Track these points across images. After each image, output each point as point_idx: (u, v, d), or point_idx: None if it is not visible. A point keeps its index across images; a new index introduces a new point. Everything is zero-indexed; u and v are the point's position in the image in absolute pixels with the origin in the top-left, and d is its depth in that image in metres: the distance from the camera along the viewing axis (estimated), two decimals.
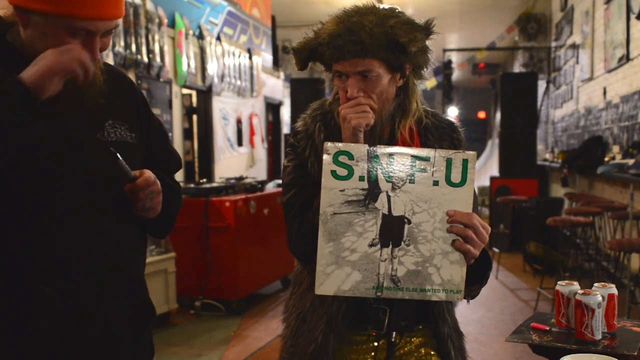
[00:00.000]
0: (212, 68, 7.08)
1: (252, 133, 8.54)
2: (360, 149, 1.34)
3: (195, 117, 7.55)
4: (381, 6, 1.49)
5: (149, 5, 5.69)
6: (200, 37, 6.92)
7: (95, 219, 1.35)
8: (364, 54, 1.44)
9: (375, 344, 1.53)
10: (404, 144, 1.53)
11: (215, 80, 7.20)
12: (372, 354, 1.53)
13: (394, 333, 1.52)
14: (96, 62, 1.34)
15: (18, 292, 1.27)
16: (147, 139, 1.53)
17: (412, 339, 1.55)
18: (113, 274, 1.39)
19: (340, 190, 1.34)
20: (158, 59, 5.77)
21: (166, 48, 5.95)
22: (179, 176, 6.26)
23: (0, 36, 1.33)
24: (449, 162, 1.35)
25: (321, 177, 1.35)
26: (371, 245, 1.34)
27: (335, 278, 1.34)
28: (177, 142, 6.50)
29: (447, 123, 1.65)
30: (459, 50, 12.67)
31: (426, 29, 1.49)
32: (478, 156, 19.44)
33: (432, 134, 1.60)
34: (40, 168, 1.28)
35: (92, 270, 1.34)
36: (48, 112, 1.30)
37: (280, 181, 5.69)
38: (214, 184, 5.56)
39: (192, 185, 5.40)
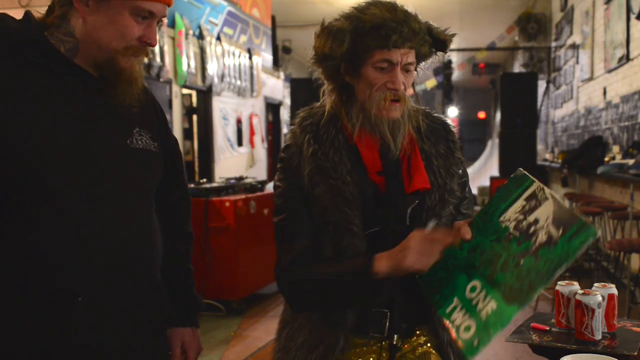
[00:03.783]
0: (212, 68, 7.08)
1: (252, 133, 8.54)
2: None
3: (195, 117, 7.55)
4: None
5: None
6: (200, 37, 6.92)
7: (125, 224, 1.36)
8: (416, 44, 1.43)
9: (377, 346, 1.52)
10: (409, 148, 1.51)
11: (215, 80, 7.20)
12: (374, 356, 1.52)
13: (396, 336, 1.51)
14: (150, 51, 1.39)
15: (49, 293, 1.28)
16: (165, 150, 1.55)
17: (413, 340, 1.55)
18: (141, 279, 1.41)
19: None
20: (158, 58, 5.77)
21: (166, 48, 5.95)
22: None
23: (40, 38, 1.31)
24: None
25: (313, 190, 1.37)
26: None
27: None
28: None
29: (440, 124, 1.61)
30: (459, 50, 12.66)
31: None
32: (478, 156, 19.44)
33: (428, 137, 1.57)
34: (74, 173, 1.30)
35: (120, 273, 1.35)
36: (83, 114, 1.33)
37: None
38: (214, 184, 5.56)
39: (192, 185, 5.39)
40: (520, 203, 1.38)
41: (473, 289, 1.31)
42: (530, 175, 1.36)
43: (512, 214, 1.38)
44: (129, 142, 1.40)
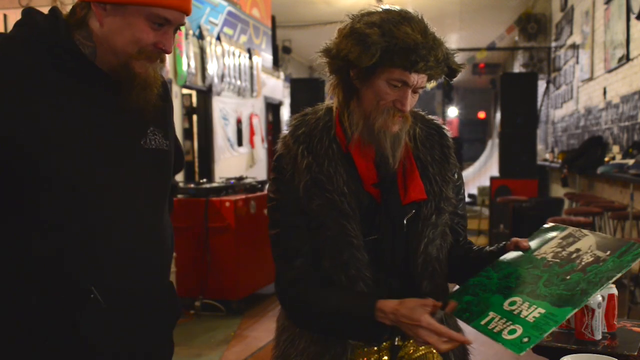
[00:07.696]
0: (212, 68, 7.08)
1: (252, 133, 8.54)
2: None
3: (195, 117, 7.55)
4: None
5: None
6: (200, 37, 6.92)
7: (139, 224, 1.37)
8: (434, 73, 1.42)
9: (379, 347, 1.52)
10: (404, 157, 1.50)
11: (215, 80, 7.20)
12: (376, 357, 1.52)
13: (397, 337, 1.51)
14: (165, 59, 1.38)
15: (64, 289, 1.29)
16: (174, 147, 1.56)
17: (414, 341, 1.55)
18: (153, 277, 1.42)
19: None
20: None
21: None
22: (179, 177, 6.26)
23: (68, 41, 1.32)
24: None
25: (309, 203, 1.39)
26: None
27: None
28: None
29: (435, 128, 1.60)
30: (459, 50, 12.62)
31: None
32: (478, 156, 19.44)
33: (423, 143, 1.55)
34: (88, 173, 1.30)
35: (134, 273, 1.37)
36: (99, 115, 1.33)
37: None
38: (214, 184, 5.56)
39: (192, 185, 5.39)
40: (556, 241, 1.42)
41: (512, 303, 1.31)
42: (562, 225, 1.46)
43: (547, 249, 1.41)
44: (143, 143, 1.41)
